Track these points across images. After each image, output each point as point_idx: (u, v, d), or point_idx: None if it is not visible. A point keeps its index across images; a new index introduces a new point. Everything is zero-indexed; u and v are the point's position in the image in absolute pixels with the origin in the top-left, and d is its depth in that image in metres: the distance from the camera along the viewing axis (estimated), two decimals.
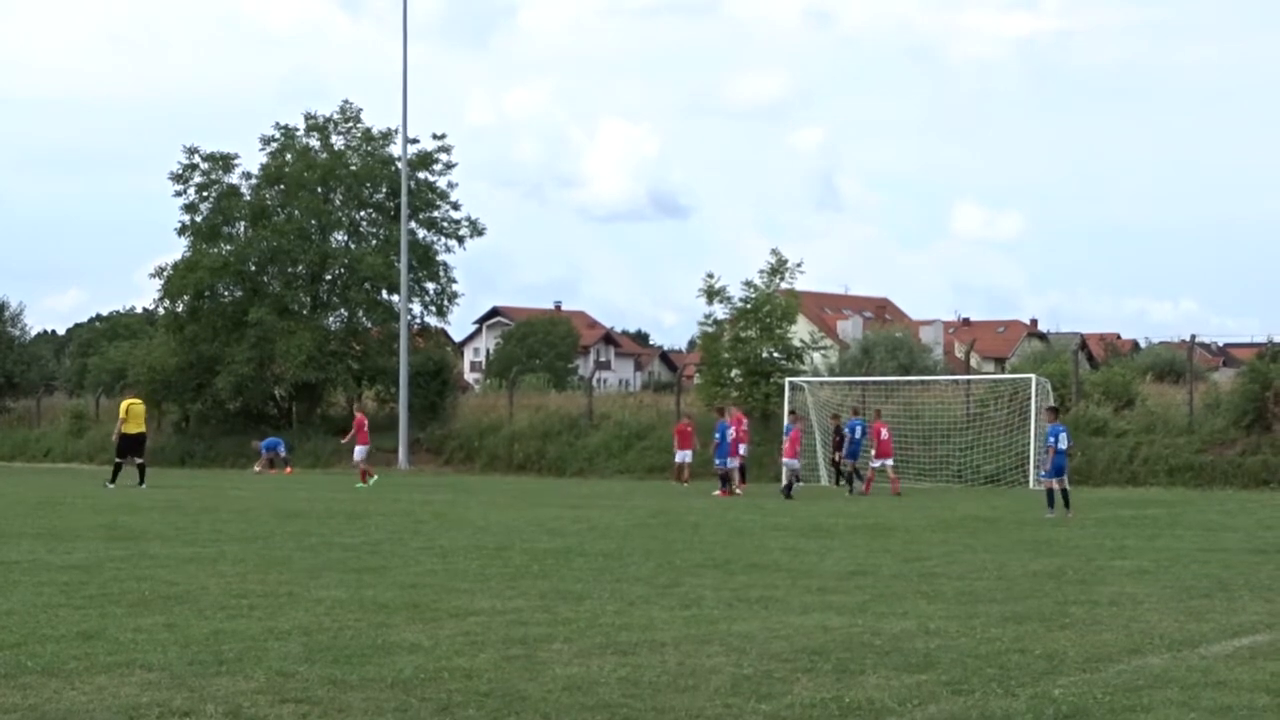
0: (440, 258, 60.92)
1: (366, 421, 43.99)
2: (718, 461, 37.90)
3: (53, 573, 16.90)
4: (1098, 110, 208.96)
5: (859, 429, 39.35)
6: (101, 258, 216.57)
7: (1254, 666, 11.04)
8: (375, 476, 42.59)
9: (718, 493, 36.36)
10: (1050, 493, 28.29)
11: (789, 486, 35.88)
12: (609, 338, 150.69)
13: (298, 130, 61.53)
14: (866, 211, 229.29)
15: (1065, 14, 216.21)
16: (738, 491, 36.90)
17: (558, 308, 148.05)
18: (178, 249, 62.32)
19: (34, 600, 14.45)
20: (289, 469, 52.67)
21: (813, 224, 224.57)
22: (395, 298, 59.06)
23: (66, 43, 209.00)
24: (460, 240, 61.05)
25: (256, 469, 53.54)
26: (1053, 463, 28.29)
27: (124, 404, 40.98)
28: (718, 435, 38.12)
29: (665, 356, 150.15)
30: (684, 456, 41.58)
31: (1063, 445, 28.37)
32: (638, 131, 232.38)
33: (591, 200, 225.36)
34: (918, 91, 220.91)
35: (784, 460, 37.73)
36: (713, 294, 49.67)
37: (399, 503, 32.30)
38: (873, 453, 39.02)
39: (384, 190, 60.95)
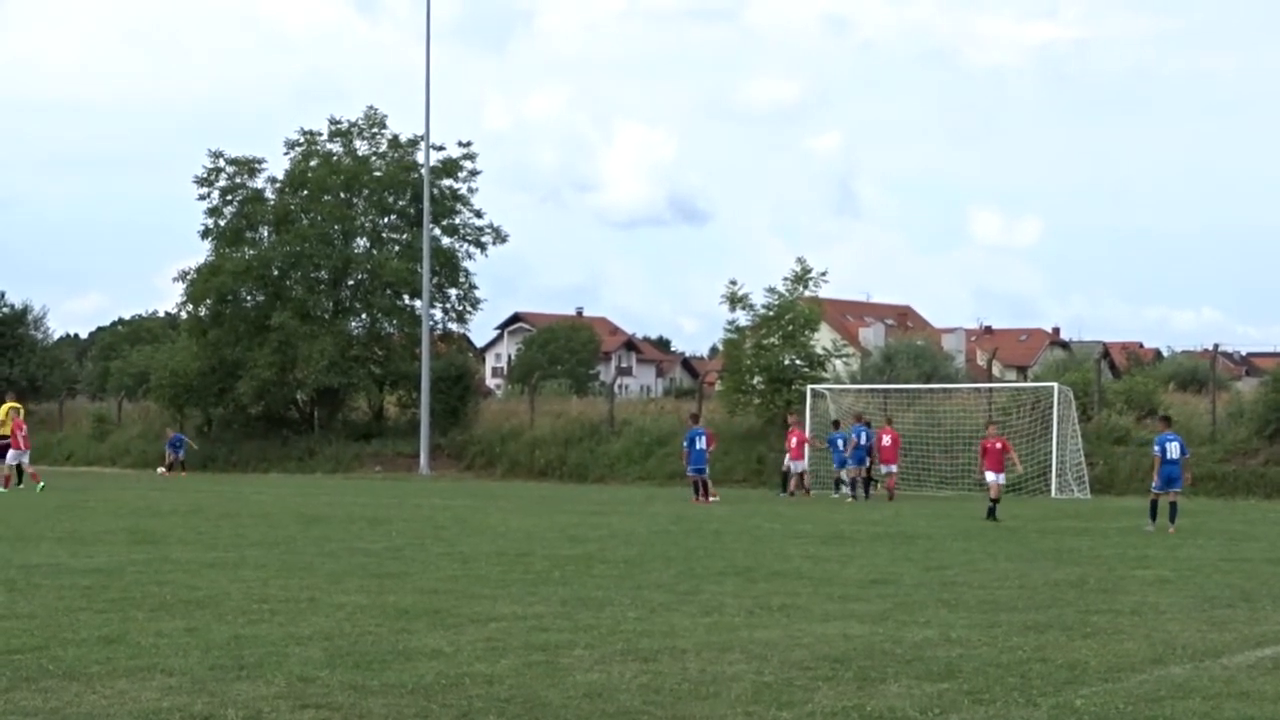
0: (463, 264, 60.96)
1: (25, 426, 42.47)
2: (691, 469, 37.74)
3: (74, 576, 16.94)
4: (1116, 116, 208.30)
5: (863, 434, 39.32)
6: (124, 261, 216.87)
7: (1277, 677, 11.00)
8: (42, 483, 39.36)
9: (694, 499, 36.44)
10: (1154, 504, 27.19)
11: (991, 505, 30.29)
12: (630, 344, 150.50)
13: (321, 135, 61.64)
14: (885, 217, 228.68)
15: (1083, 21, 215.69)
16: (714, 498, 36.76)
17: (579, 314, 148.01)
18: (200, 253, 62.45)
19: (55, 604, 14.49)
20: (182, 471, 53.25)
21: (831, 229, 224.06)
22: (417, 303, 59.06)
23: (86, 45, 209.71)
24: (483, 247, 61.10)
25: (160, 470, 54.44)
26: (1158, 473, 27.27)
27: None
28: (685, 443, 38.11)
29: (687, 363, 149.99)
30: (797, 467, 40.62)
31: (1172, 455, 27.22)
32: (655, 135, 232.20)
33: (610, 205, 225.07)
34: (935, 97, 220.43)
35: (993, 474, 31.19)
36: (735, 301, 49.67)
37: (420, 509, 32.33)
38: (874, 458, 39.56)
39: (407, 196, 61.00)
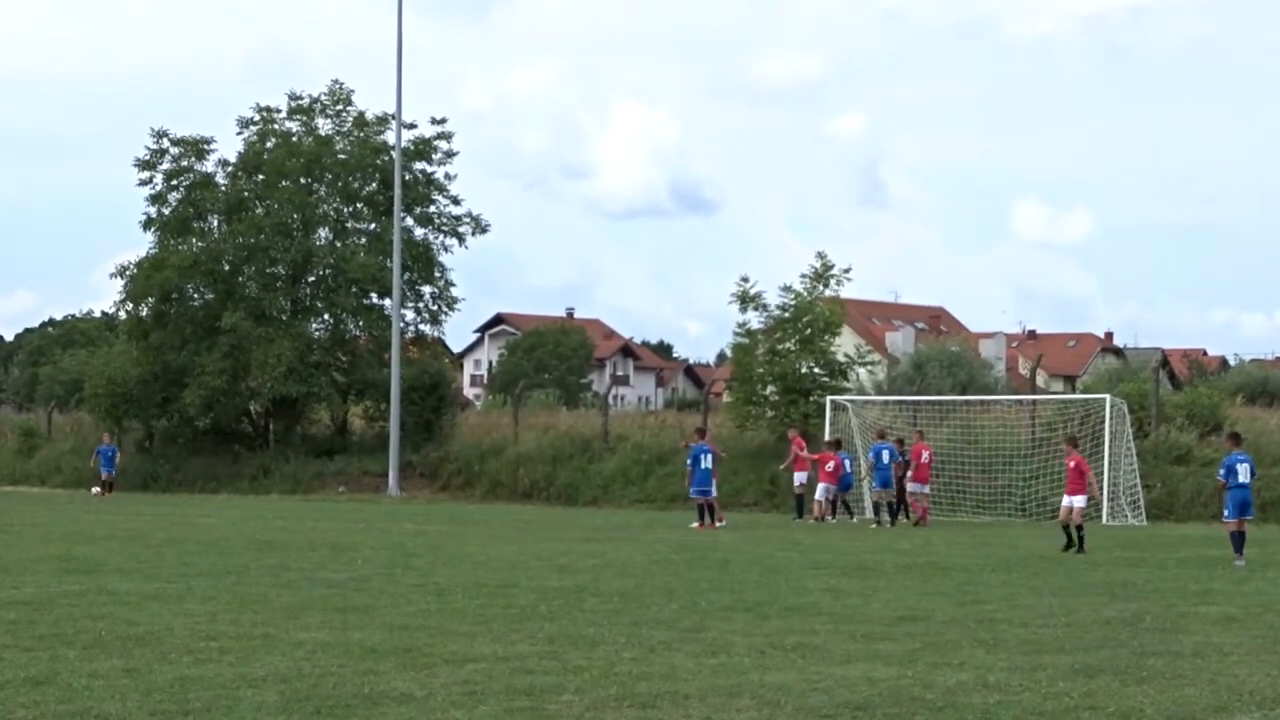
0: (438, 258, 60.98)
1: None
2: (695, 491, 37.69)
3: None
4: (1176, 95, 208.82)
5: (885, 453, 39.38)
6: (55, 255, 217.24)
7: None
8: None
9: (699, 525, 36.43)
10: (1234, 535, 26.75)
11: None
12: (627, 349, 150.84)
13: (279, 112, 61.68)
14: (915, 209, 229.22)
15: None
16: (721, 524, 36.77)
17: (570, 315, 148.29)
18: (142, 245, 62.62)
19: None
20: (109, 491, 53.55)
21: (855, 222, 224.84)
22: (386, 302, 59.12)
23: (10, 11, 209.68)
24: (460, 239, 61.17)
25: (95, 490, 54.57)
26: (1229, 498, 27.03)
27: None
28: (689, 462, 38.06)
29: (691, 371, 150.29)
30: (823, 492, 40.38)
31: (1242, 478, 26.92)
32: (655, 116, 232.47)
33: (604, 194, 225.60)
34: (972, 73, 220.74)
35: (1067, 499, 31.07)
36: (746, 300, 49.71)
37: (389, 534, 32.33)
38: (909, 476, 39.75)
39: (375, 182, 61.05)
